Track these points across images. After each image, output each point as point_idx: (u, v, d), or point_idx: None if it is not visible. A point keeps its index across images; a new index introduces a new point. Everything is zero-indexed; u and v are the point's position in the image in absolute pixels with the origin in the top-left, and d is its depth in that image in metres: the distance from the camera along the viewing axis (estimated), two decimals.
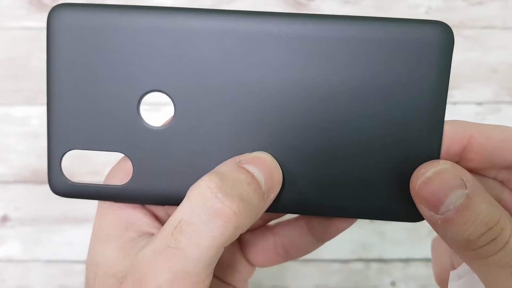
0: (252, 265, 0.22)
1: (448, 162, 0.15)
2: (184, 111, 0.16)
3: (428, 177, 0.15)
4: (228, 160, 0.16)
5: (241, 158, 0.16)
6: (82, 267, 0.43)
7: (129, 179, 0.17)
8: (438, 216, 0.15)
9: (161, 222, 0.18)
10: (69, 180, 0.17)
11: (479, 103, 0.45)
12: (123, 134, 0.16)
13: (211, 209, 0.14)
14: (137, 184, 0.17)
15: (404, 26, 0.16)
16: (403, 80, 0.16)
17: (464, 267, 0.18)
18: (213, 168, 0.16)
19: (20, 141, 0.45)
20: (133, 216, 0.17)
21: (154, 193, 0.17)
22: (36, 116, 0.46)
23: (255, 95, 0.16)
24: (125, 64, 0.16)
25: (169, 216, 0.18)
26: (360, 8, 0.48)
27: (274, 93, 0.16)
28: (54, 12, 0.16)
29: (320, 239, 0.20)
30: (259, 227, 0.22)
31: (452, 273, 0.19)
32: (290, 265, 0.42)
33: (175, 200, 0.17)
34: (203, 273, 0.14)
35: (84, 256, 0.45)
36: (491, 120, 0.45)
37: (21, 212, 0.44)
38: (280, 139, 0.16)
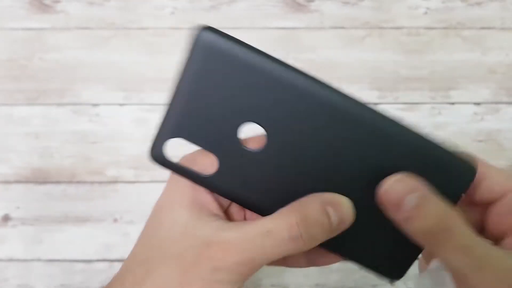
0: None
1: (403, 173, 0.19)
2: (274, 143, 0.20)
3: (388, 186, 0.19)
4: (314, 196, 0.20)
5: (326, 199, 0.20)
6: (82, 266, 0.43)
7: (211, 170, 0.21)
8: (401, 215, 0.19)
9: (222, 207, 0.22)
10: (167, 158, 0.21)
11: (478, 104, 0.46)
12: (221, 142, 0.20)
13: (290, 237, 0.19)
14: (220, 179, 0.21)
15: (446, 154, 0.20)
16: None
17: (432, 264, 0.22)
18: (292, 192, 0.20)
19: (21, 141, 0.46)
20: (207, 199, 0.21)
21: (232, 193, 0.21)
22: (37, 116, 0.46)
23: (330, 153, 0.20)
24: (238, 94, 0.19)
25: (221, 206, 0.22)
26: (359, 9, 0.48)
27: (341, 158, 0.20)
28: (203, 33, 0.19)
29: (311, 264, 0.24)
30: None
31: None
32: None
33: (246, 205, 0.21)
34: (260, 265, 0.19)
35: (84, 256, 0.45)
36: (490, 120, 0.45)
37: (22, 211, 0.44)
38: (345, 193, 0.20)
